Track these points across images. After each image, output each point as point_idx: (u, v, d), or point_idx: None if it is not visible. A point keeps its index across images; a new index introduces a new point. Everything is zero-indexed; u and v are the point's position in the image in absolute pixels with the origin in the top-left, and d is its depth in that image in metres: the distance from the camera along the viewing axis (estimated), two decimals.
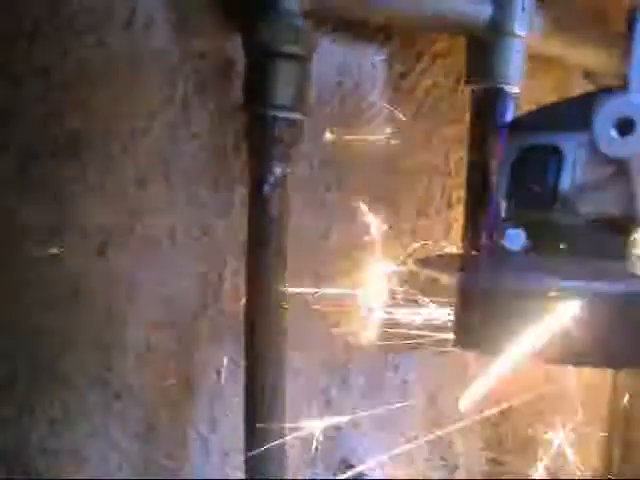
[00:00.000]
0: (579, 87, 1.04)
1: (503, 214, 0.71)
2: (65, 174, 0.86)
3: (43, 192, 0.86)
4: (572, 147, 0.64)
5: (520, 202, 0.69)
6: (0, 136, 0.85)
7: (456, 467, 1.04)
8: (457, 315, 0.65)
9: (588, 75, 1.05)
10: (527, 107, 0.95)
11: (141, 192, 0.88)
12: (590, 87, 1.04)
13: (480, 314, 0.64)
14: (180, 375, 0.92)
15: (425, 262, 0.78)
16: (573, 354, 0.62)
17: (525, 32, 0.87)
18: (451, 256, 0.83)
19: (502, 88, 0.88)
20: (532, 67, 0.95)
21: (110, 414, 0.90)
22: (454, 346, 0.66)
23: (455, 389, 1.02)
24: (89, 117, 0.86)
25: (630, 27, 0.63)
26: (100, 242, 0.88)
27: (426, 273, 0.77)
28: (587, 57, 0.98)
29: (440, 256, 0.85)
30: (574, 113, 0.65)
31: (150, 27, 0.87)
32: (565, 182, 0.64)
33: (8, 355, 0.87)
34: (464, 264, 0.70)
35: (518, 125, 0.72)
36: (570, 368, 0.99)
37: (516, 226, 0.66)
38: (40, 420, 0.88)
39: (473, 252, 0.76)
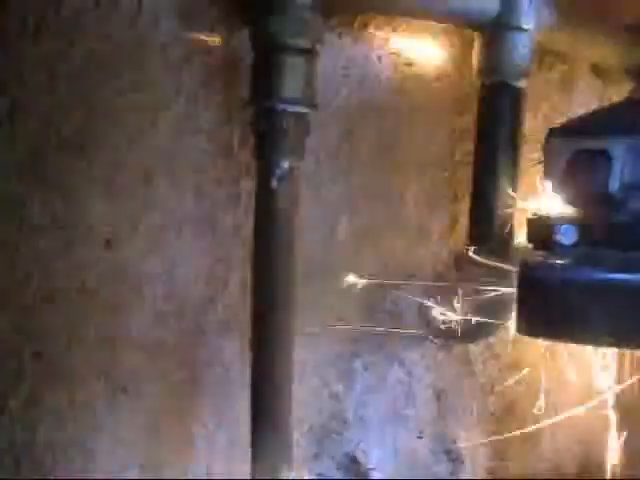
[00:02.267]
0: (585, 81, 1.04)
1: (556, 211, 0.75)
2: (71, 168, 0.86)
3: (49, 186, 0.86)
4: (621, 151, 0.68)
5: (573, 200, 0.73)
6: (6, 131, 0.84)
7: (461, 462, 1.04)
8: (520, 304, 0.69)
9: (594, 68, 1.05)
10: (534, 100, 0.95)
11: (147, 186, 0.88)
12: (596, 80, 1.04)
13: (544, 304, 0.68)
14: (186, 369, 0.91)
15: (482, 252, 0.83)
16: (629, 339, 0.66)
17: (532, 26, 0.87)
18: (506, 247, 0.87)
19: (509, 81, 0.88)
20: (539, 61, 0.96)
21: (116, 408, 0.90)
22: (517, 332, 0.71)
23: (460, 383, 1.03)
24: (95, 112, 0.86)
25: None
26: (106, 236, 0.88)
27: (486, 262, 0.80)
28: (594, 51, 0.98)
29: (492, 246, 0.88)
30: (622, 119, 0.70)
31: (156, 21, 0.86)
32: (614, 183, 0.69)
33: (15, 349, 0.87)
34: (522, 256, 0.74)
35: (569, 130, 0.75)
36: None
37: (569, 222, 0.70)
38: (47, 414, 0.88)
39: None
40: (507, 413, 1.03)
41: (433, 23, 0.93)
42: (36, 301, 0.87)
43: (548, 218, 0.72)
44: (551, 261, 0.69)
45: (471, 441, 1.04)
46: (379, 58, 0.93)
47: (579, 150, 0.70)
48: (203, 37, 0.88)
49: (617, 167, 0.68)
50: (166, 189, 0.88)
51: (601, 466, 1.03)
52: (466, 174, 0.93)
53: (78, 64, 0.85)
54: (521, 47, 0.88)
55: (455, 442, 1.03)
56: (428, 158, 0.96)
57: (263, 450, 0.86)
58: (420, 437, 1.01)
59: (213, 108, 0.89)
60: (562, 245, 0.70)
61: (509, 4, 0.86)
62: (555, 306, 0.66)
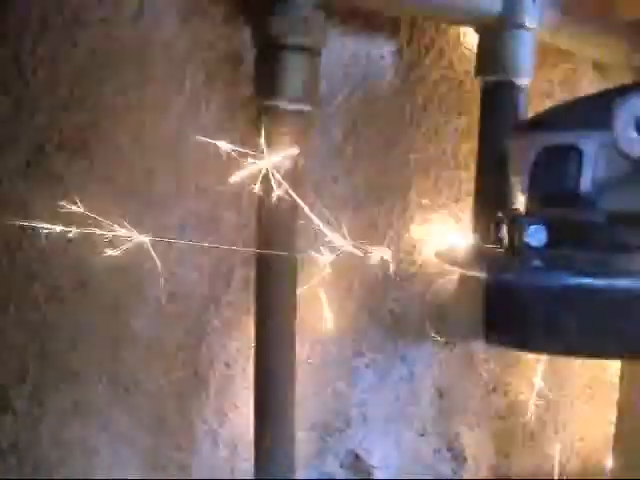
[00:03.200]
0: (588, 79, 1.04)
1: (525, 211, 0.72)
2: (74, 166, 0.86)
3: (51, 184, 0.86)
4: (592, 147, 0.65)
5: (542, 199, 0.70)
6: (9, 129, 0.85)
7: (464, 460, 1.04)
8: (487, 310, 0.64)
9: (597, 66, 1.04)
10: (536, 99, 0.95)
11: (150, 184, 0.88)
12: (599, 78, 1.04)
13: (510, 311, 0.64)
14: (189, 367, 0.92)
15: (447, 256, 0.79)
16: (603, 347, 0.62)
17: (536, 25, 0.87)
18: (471, 249, 0.83)
19: (512, 80, 0.87)
20: (541, 59, 0.95)
21: (120, 407, 0.91)
22: (486, 342, 0.66)
23: (462, 380, 1.03)
24: (97, 109, 0.86)
25: None
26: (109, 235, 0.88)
27: (449, 267, 0.77)
28: (597, 49, 0.98)
29: (459, 249, 0.86)
30: (593, 112, 0.65)
31: (159, 18, 0.86)
32: (586, 180, 0.65)
33: (18, 349, 0.87)
34: (489, 260, 0.70)
35: (539, 124, 0.72)
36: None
37: (538, 223, 0.66)
38: (50, 413, 0.88)
39: (494, 247, 0.75)
40: (509, 411, 1.03)
41: (436, 21, 0.93)
42: (39, 300, 0.88)
43: (516, 219, 0.68)
44: (519, 264, 0.65)
45: (474, 439, 1.04)
46: (381, 57, 0.93)
47: (548, 146, 0.67)
48: (206, 35, 0.88)
49: (588, 164, 0.65)
50: (168, 188, 0.88)
51: (603, 464, 1.04)
52: (469, 173, 0.93)
53: (81, 62, 0.85)
54: (524, 45, 0.87)
55: (458, 440, 1.03)
56: (431, 157, 0.96)
57: (266, 448, 0.86)
58: (422, 435, 1.02)
59: (215, 106, 0.89)
60: (531, 247, 0.66)
61: (512, 2, 0.86)
62: (524, 313, 0.62)
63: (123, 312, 0.89)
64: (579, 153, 0.66)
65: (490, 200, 0.89)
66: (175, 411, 0.93)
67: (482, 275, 0.65)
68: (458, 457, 1.04)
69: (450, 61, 0.95)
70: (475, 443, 1.04)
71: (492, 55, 0.88)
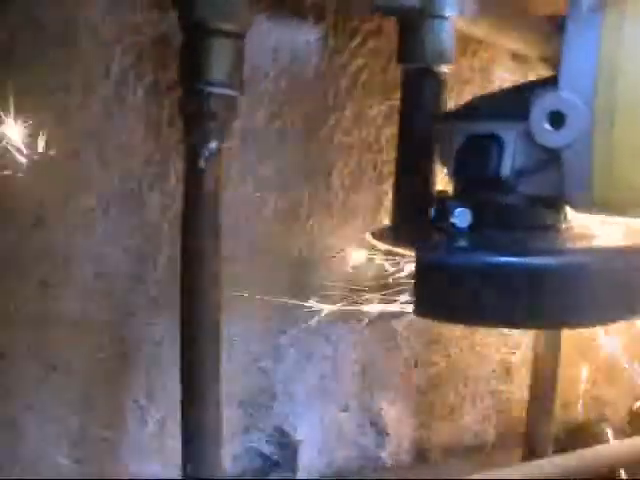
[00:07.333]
0: (506, 68, 1.08)
1: (451, 195, 0.76)
2: None
3: None
4: (511, 136, 0.69)
5: (466, 184, 0.74)
6: None
7: (386, 434, 1.08)
8: (417, 287, 0.68)
9: (515, 56, 1.09)
10: (458, 85, 0.99)
11: (76, 165, 0.88)
12: (516, 67, 1.08)
13: (438, 287, 0.68)
14: (117, 346, 0.93)
15: (381, 235, 0.83)
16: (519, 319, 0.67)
17: (454, 14, 0.90)
18: (403, 228, 0.87)
19: (431, 67, 0.90)
20: (461, 48, 0.99)
21: (46, 386, 0.91)
22: (415, 315, 0.70)
23: (385, 358, 1.07)
24: (23, 90, 0.85)
25: (561, 28, 0.66)
26: (35, 215, 0.88)
27: (383, 246, 0.81)
28: (513, 40, 1.02)
29: (393, 229, 0.88)
30: (512, 104, 0.70)
31: (86, 1, 0.86)
32: (506, 166, 0.70)
33: None
34: (419, 240, 0.74)
35: (463, 114, 0.76)
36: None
37: (463, 205, 0.71)
38: None
39: (425, 227, 0.80)
40: (430, 386, 1.07)
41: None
42: None
43: (444, 201, 0.73)
44: (446, 244, 0.70)
45: (396, 413, 1.08)
46: (307, 42, 0.95)
47: (471, 134, 0.72)
48: (133, 18, 0.88)
49: (508, 152, 0.69)
50: (95, 168, 0.89)
51: (518, 434, 1.09)
52: (391, 155, 0.96)
53: (3, 42, 0.84)
54: (443, 34, 0.90)
55: (380, 415, 1.07)
56: (354, 141, 0.99)
57: (193, 424, 0.88)
58: (345, 410, 1.05)
59: (143, 89, 0.90)
60: (457, 228, 0.71)
61: None
62: (449, 288, 0.66)
63: (50, 292, 0.90)
64: (499, 141, 0.70)
65: (411, 183, 0.92)
66: (103, 389, 0.93)
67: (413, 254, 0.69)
68: (381, 431, 1.07)
69: (373, 47, 0.98)
70: (397, 417, 1.08)
71: (412, 43, 0.90)
